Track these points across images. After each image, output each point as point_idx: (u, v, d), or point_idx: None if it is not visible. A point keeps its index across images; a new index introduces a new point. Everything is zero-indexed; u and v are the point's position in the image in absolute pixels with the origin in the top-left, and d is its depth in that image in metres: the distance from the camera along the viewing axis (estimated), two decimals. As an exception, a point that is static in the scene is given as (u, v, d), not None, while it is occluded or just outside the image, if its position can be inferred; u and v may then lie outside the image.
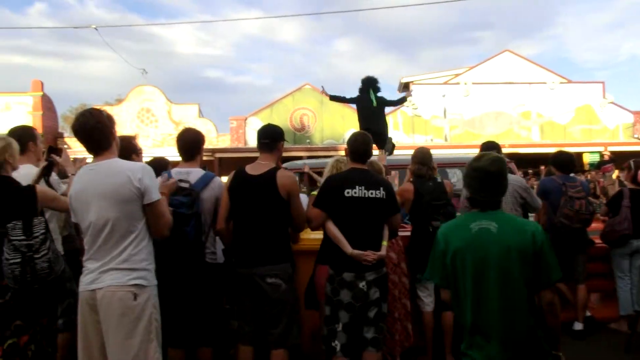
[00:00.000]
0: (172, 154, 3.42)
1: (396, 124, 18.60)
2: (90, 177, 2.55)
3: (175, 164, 3.53)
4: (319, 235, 3.51)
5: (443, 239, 2.26)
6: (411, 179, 4.12)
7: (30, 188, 2.96)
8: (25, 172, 3.14)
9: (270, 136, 3.30)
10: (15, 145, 3.06)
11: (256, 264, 3.08)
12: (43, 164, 3.20)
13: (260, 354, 3.18)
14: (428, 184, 3.96)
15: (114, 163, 2.59)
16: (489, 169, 2.19)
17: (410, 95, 7.17)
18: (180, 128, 3.46)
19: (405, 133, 18.63)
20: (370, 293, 3.10)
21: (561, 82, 18.87)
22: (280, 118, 17.91)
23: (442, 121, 18.69)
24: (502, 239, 2.13)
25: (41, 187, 3.03)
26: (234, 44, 78.52)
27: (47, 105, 17.70)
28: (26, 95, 17.32)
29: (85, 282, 2.52)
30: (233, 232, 3.20)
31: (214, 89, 70.98)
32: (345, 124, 17.92)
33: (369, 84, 6.35)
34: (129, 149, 3.36)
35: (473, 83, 18.66)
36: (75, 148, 16.27)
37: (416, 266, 3.86)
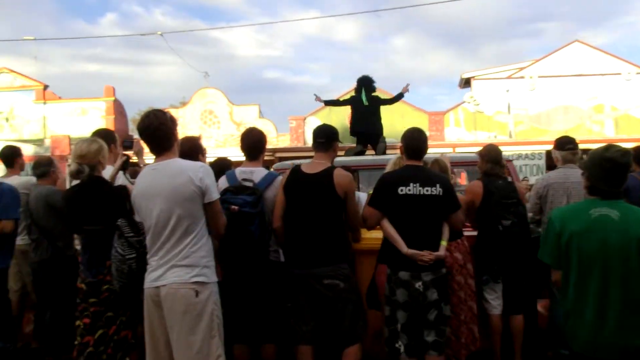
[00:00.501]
0: (234, 154, 3.50)
1: (457, 120, 18.12)
2: (153, 177, 2.64)
3: (237, 164, 3.59)
4: (380, 234, 3.47)
5: (559, 221, 2.30)
6: (479, 177, 3.98)
7: (123, 188, 3.16)
8: (105, 173, 3.31)
9: (326, 135, 3.30)
10: (106, 147, 3.26)
11: (312, 265, 3.07)
12: (120, 160, 3.37)
13: (320, 353, 3.18)
14: (498, 182, 3.81)
15: (176, 163, 2.68)
16: (620, 160, 2.23)
17: (407, 91, 6.92)
18: (242, 129, 3.55)
19: (467, 130, 18.11)
20: (428, 294, 3.03)
21: (638, 73, 17.64)
22: (338, 117, 17.88)
23: (506, 117, 17.98)
24: (623, 228, 2.15)
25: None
26: (292, 44, 79.36)
27: (118, 109, 18.67)
28: (100, 100, 18.36)
29: (150, 279, 2.61)
30: (287, 232, 3.20)
31: (274, 90, 72.07)
32: (404, 121, 17.64)
33: (362, 84, 6.25)
34: (195, 149, 3.47)
35: (539, 76, 17.81)
36: (147, 149, 17.04)
37: (483, 267, 3.73)
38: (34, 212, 4.10)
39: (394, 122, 18.48)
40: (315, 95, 6.69)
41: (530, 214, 4.10)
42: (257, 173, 3.31)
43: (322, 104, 7.05)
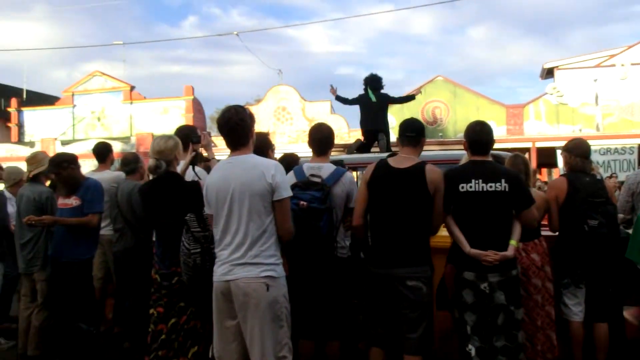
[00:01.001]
0: (306, 150, 3.51)
1: (538, 113, 17.16)
2: (227, 171, 2.68)
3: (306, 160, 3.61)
4: (449, 232, 3.34)
5: None
6: (565, 173, 3.70)
7: (195, 183, 3.26)
8: (182, 168, 3.45)
9: (416, 130, 3.14)
10: (181, 143, 3.40)
11: (395, 264, 2.94)
12: (190, 155, 3.47)
13: (392, 357, 3.12)
14: (585, 179, 3.49)
15: (250, 158, 2.71)
16: None
17: (420, 93, 6.64)
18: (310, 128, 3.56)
19: (549, 123, 17.10)
20: (495, 296, 2.87)
21: None
22: (411, 112, 17.53)
23: (594, 109, 16.78)
24: None
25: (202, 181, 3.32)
26: (366, 40, 79.06)
27: (197, 108, 19.54)
28: (180, 99, 19.33)
29: (220, 273, 2.65)
30: (370, 229, 3.11)
31: (346, 86, 72.12)
32: (479, 115, 16.98)
33: (369, 82, 6.33)
34: (265, 145, 3.53)
35: (632, 64, 16.44)
36: (220, 146, 17.70)
37: (564, 270, 3.48)
38: (120, 204, 4.38)
39: (469, 115, 17.87)
40: (331, 86, 6.66)
41: (620, 215, 3.78)
42: (325, 169, 3.29)
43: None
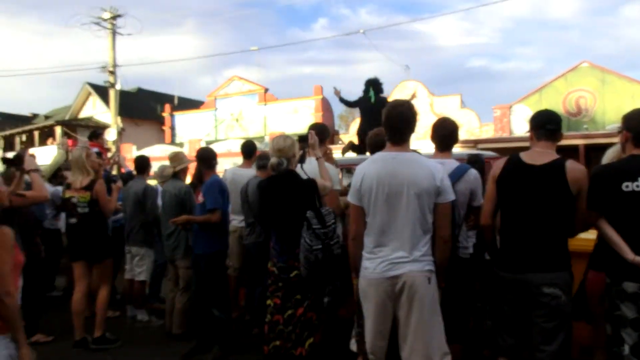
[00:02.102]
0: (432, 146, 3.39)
1: None
2: (390, 165, 2.65)
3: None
4: (590, 235, 2.97)
5: None
6: None
7: (312, 180, 3.34)
8: (313, 162, 3.59)
9: (556, 123, 2.82)
10: (297, 142, 3.51)
11: (529, 269, 2.67)
12: (299, 153, 3.57)
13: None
14: None
15: (417, 157, 2.71)
16: None
17: (416, 97, 6.38)
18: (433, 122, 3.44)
19: None
20: None
21: None
22: (550, 103, 16.14)
23: None
24: None
25: (319, 179, 3.40)
26: (499, 29, 74.53)
27: (326, 107, 20.07)
28: (309, 99, 20.01)
29: (380, 270, 2.62)
30: (501, 230, 2.88)
31: (477, 79, 68.82)
32: (634, 103, 15.01)
33: (370, 85, 6.61)
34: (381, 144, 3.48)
35: None
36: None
37: None
38: (250, 200, 4.64)
39: (622, 104, 15.90)
40: (334, 88, 6.87)
41: None
42: (448, 165, 3.14)
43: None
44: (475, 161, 4.02)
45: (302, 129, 17.35)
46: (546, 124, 2.80)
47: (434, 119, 3.60)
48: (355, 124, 19.59)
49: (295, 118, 19.91)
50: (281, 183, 3.38)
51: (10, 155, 4.80)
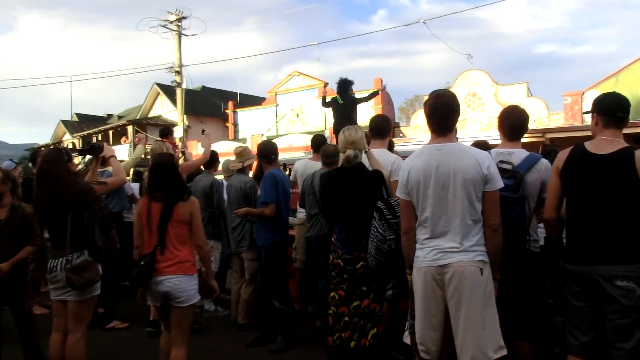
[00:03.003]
0: (498, 136, 3.25)
1: None
2: (435, 157, 2.62)
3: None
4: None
5: None
6: None
7: (378, 172, 3.36)
8: (382, 154, 3.61)
9: (627, 110, 2.67)
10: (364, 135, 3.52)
11: (599, 261, 2.53)
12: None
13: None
14: None
15: (461, 146, 2.68)
16: None
17: (384, 88, 7.37)
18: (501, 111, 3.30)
19: None
20: None
21: None
22: (628, 88, 15.05)
23: None
24: None
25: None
26: (570, 12, 70.71)
27: (386, 99, 19.82)
28: (369, 91, 19.79)
29: (430, 259, 2.60)
30: (567, 222, 2.76)
31: (546, 65, 65.64)
32: None
33: (340, 86, 7.45)
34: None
35: None
36: (408, 136, 17.69)
37: None
38: (316, 191, 4.66)
39: None
40: (324, 91, 8.00)
41: None
42: (517, 155, 3.00)
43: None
44: (549, 151, 3.85)
45: (363, 122, 17.23)
46: (617, 112, 2.66)
47: (499, 109, 3.45)
48: (416, 116, 19.25)
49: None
50: (349, 175, 3.40)
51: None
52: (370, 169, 3.50)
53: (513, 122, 3.11)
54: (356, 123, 6.81)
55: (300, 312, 5.28)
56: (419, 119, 18.62)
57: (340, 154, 3.55)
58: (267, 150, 4.62)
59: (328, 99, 7.91)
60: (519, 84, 17.75)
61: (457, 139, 2.83)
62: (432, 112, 2.68)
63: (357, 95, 8.18)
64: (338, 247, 3.44)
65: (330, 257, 3.51)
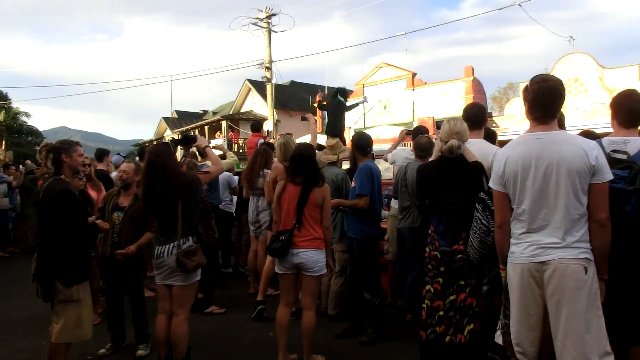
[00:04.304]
0: (603, 124, 2.97)
1: None
2: (535, 146, 2.47)
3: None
4: None
5: None
6: None
7: (478, 163, 3.27)
8: (481, 146, 3.51)
9: None
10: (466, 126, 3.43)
11: None
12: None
13: None
14: None
15: (565, 134, 2.52)
16: None
17: (365, 102, 7.46)
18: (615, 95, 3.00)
19: None
20: None
21: None
22: None
23: None
24: None
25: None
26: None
27: (477, 88, 19.00)
28: (459, 81, 19.12)
29: (527, 255, 2.46)
30: None
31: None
32: None
33: (342, 92, 8.28)
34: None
35: None
36: (502, 126, 16.82)
37: None
38: (408, 184, 4.60)
39: None
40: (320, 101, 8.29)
41: None
42: (633, 143, 2.72)
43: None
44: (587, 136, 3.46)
45: (453, 112, 16.67)
46: None
47: (605, 95, 3.15)
48: (510, 105, 18.26)
49: (445, 102, 19.20)
50: (450, 165, 3.33)
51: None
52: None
53: (631, 107, 2.81)
54: (342, 128, 8.08)
55: (390, 305, 5.23)
56: (514, 107, 17.67)
57: (437, 144, 3.47)
58: (363, 142, 4.61)
59: (324, 103, 8.96)
60: (630, 66, 16.14)
61: (564, 128, 2.63)
62: (536, 98, 2.50)
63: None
64: (435, 239, 3.36)
65: (427, 249, 3.44)
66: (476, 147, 3.44)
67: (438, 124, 4.30)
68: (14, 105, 36.18)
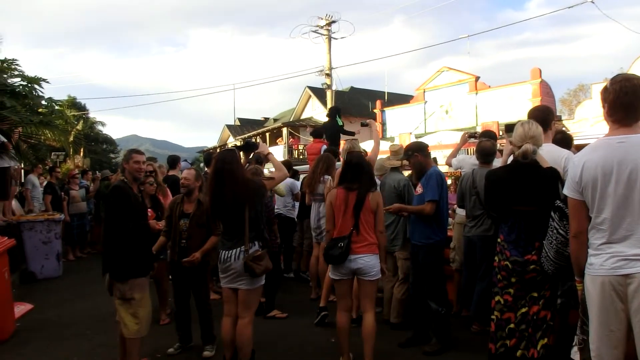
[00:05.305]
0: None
1: None
2: (617, 151, 2.31)
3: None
4: None
5: None
6: None
7: (554, 170, 3.13)
8: (552, 150, 3.34)
9: None
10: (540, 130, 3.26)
11: None
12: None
13: None
14: None
15: None
16: None
17: (366, 125, 5.67)
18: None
19: None
20: None
21: None
22: None
23: None
24: None
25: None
26: None
27: (545, 91, 18.17)
28: (526, 84, 18.37)
29: (608, 267, 2.30)
30: None
31: None
32: None
33: (335, 111, 8.96)
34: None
35: None
36: (572, 130, 15.99)
37: None
38: (479, 191, 4.47)
39: None
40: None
41: None
42: None
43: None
44: None
45: (519, 116, 16.01)
46: None
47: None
48: (582, 107, 17.32)
49: (510, 105, 18.50)
50: (523, 171, 3.18)
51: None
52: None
53: None
54: (338, 146, 8.10)
55: (456, 315, 5.09)
56: (585, 110, 16.73)
57: (507, 148, 3.33)
58: (423, 144, 4.57)
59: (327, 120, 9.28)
60: None
61: None
62: (617, 98, 2.33)
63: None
64: (506, 249, 3.22)
65: (496, 258, 3.30)
66: (544, 152, 3.28)
67: (509, 128, 4.11)
68: (91, 115, 38.63)
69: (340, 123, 8.79)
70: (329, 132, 8.69)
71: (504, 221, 3.30)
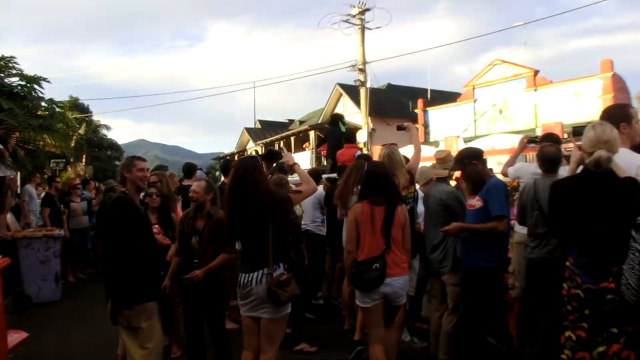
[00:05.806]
0: None
1: None
2: None
3: None
4: None
5: None
6: None
7: (634, 180, 3.01)
8: (623, 156, 3.18)
9: None
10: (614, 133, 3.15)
11: None
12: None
13: None
14: None
15: None
16: None
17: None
18: None
19: None
20: None
21: None
22: None
23: None
24: None
25: None
26: None
27: (618, 86, 17.70)
28: (594, 78, 17.93)
29: None
30: None
31: None
32: None
33: (339, 119, 9.75)
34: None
35: None
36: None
37: None
38: (542, 205, 4.31)
39: None
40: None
41: None
42: None
43: None
44: None
45: (587, 116, 15.63)
46: None
47: None
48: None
49: (576, 103, 18.10)
50: (596, 182, 3.06)
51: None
52: None
53: None
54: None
55: (517, 353, 4.92)
56: (669, 108, 16.21)
57: (575, 155, 3.20)
58: (479, 150, 4.49)
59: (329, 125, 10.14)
60: None
61: None
62: None
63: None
64: (576, 275, 3.09)
65: (565, 286, 3.17)
66: (617, 157, 3.13)
67: (578, 130, 3.97)
68: (95, 117, 39.52)
69: (343, 129, 9.19)
70: (331, 141, 9.21)
71: (573, 241, 3.19)
